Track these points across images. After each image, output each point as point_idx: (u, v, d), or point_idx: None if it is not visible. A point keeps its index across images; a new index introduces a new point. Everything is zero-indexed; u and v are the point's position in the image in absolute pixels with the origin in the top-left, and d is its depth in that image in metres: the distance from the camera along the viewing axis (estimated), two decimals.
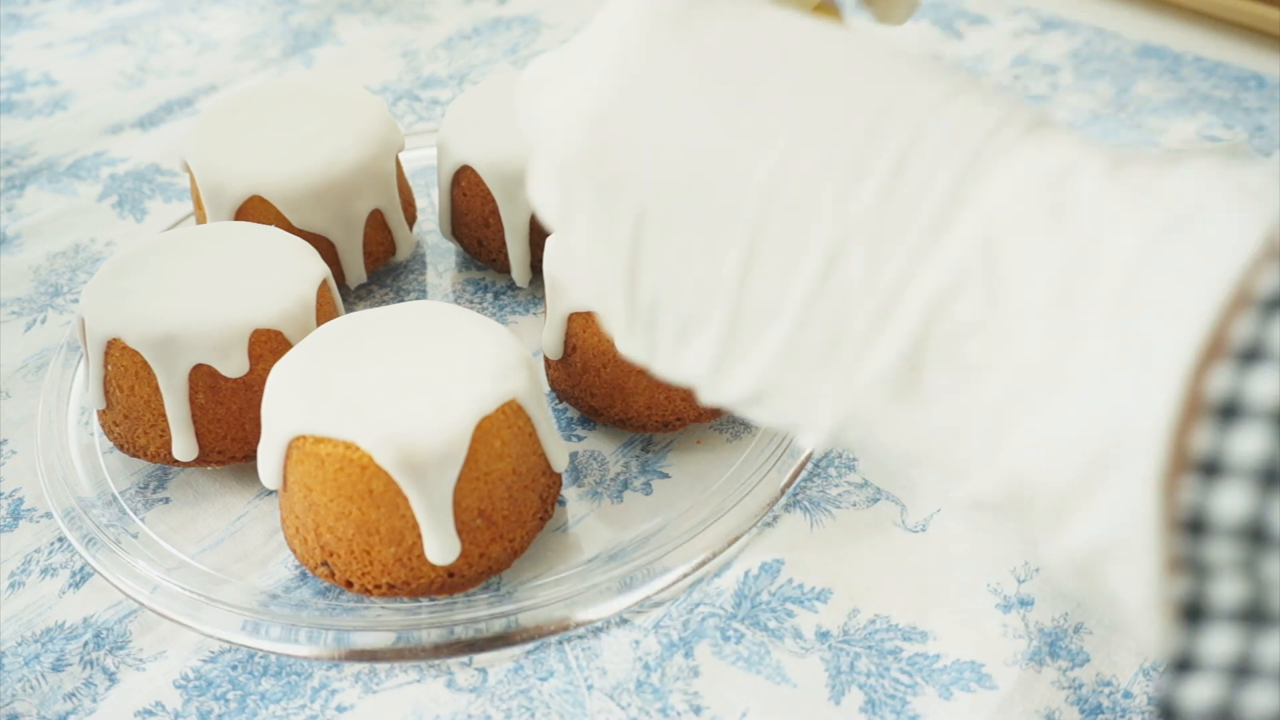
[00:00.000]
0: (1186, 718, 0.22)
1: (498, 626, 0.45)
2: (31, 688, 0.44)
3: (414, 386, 0.44)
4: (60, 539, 0.50)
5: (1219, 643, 0.23)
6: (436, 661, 0.44)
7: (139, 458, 0.51)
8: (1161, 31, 0.79)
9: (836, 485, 0.50)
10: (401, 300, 0.60)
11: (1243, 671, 0.22)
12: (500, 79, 0.61)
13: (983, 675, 0.43)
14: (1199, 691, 0.22)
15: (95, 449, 0.52)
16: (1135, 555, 0.24)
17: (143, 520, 0.49)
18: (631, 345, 0.32)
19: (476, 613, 0.45)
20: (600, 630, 0.45)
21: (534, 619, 0.45)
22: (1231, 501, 0.22)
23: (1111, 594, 0.25)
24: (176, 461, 0.50)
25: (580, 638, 0.45)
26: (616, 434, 0.52)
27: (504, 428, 0.44)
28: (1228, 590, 0.23)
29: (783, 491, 0.49)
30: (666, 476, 0.51)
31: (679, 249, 0.30)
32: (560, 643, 0.45)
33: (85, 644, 0.46)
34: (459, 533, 0.44)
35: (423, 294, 0.61)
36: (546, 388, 0.53)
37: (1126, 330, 0.24)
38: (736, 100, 0.29)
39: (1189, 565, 0.23)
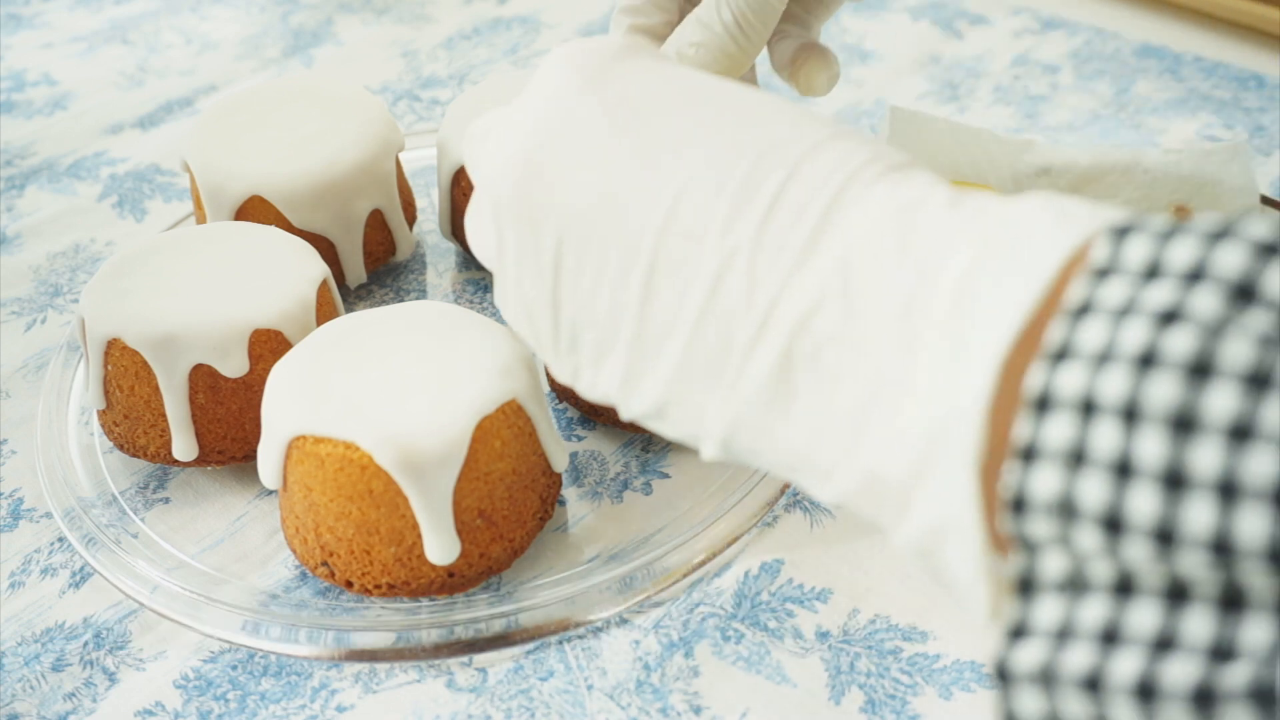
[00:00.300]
0: (1015, 678, 0.25)
1: (498, 626, 0.45)
2: (31, 688, 0.44)
3: (414, 386, 0.44)
4: (60, 539, 0.50)
5: (1045, 610, 0.25)
6: (436, 661, 0.44)
7: (139, 458, 0.51)
8: (1161, 31, 0.79)
9: None
10: (401, 300, 0.60)
11: (1063, 635, 0.25)
12: (500, 79, 0.61)
13: (983, 675, 0.43)
14: (1026, 655, 0.25)
15: (95, 449, 0.52)
16: (963, 535, 0.27)
17: (143, 520, 0.49)
18: (559, 368, 0.36)
19: (476, 613, 0.45)
20: (600, 630, 0.45)
21: (534, 619, 0.45)
22: (1045, 482, 0.25)
23: (949, 574, 0.28)
24: (176, 461, 0.50)
25: (580, 638, 0.45)
26: (616, 434, 0.52)
27: (504, 428, 0.45)
28: (1052, 563, 0.26)
29: (783, 491, 0.49)
30: (666, 476, 0.51)
31: (591, 275, 0.34)
32: (560, 643, 0.45)
33: (85, 644, 0.46)
34: (459, 533, 0.44)
35: (423, 294, 0.61)
36: (546, 388, 0.53)
37: (953, 336, 0.27)
38: (640, 144, 0.33)
39: (1018, 542, 0.26)
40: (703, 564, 0.47)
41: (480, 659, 0.44)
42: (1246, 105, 0.71)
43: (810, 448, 0.31)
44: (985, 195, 0.30)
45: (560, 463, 0.48)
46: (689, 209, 0.32)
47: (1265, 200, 0.57)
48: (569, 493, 0.50)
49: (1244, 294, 0.24)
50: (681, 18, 0.46)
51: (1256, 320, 0.24)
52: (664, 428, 0.35)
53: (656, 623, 0.45)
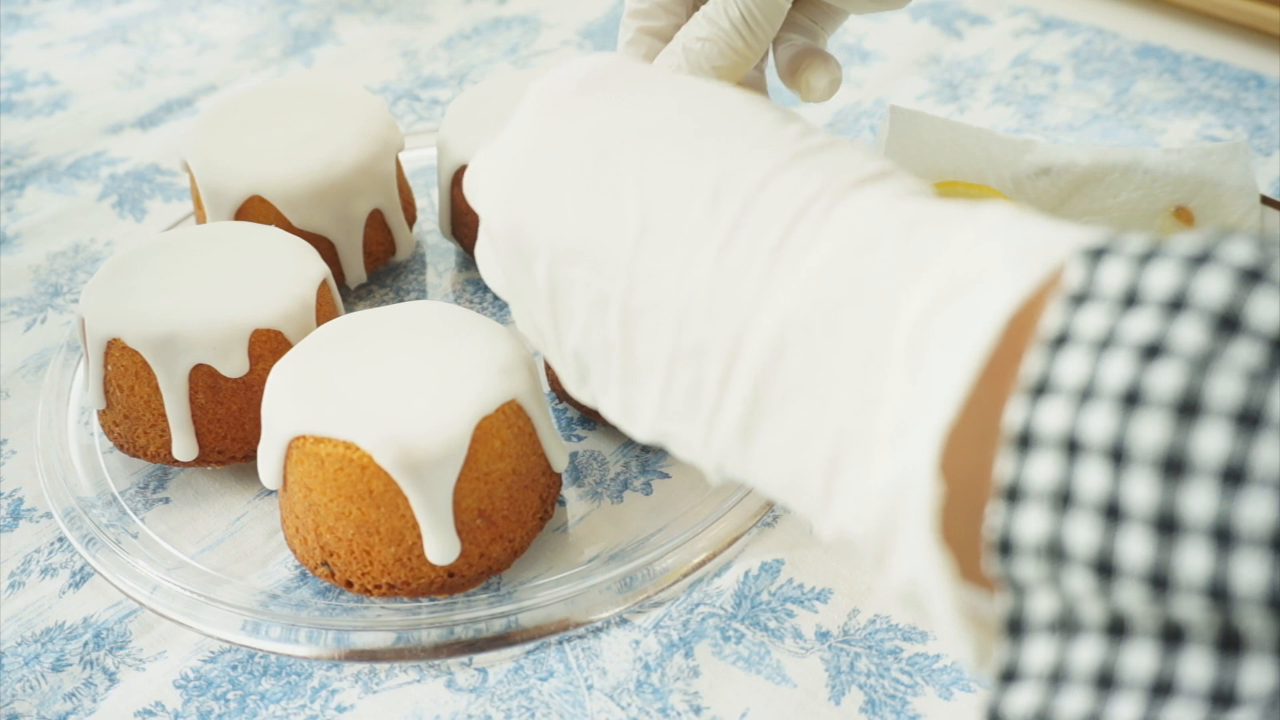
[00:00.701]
0: None
1: (498, 626, 0.45)
2: (31, 688, 0.44)
3: (414, 386, 0.44)
4: (60, 539, 0.50)
5: (1036, 652, 0.25)
6: (436, 661, 0.44)
7: (139, 457, 0.51)
8: (1161, 31, 0.79)
9: None
10: (401, 300, 0.60)
11: (1057, 679, 0.24)
12: (500, 79, 0.61)
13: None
14: (1020, 699, 0.24)
15: (95, 449, 0.52)
16: (935, 593, 0.26)
17: (143, 520, 0.49)
18: (579, 395, 0.36)
19: (476, 613, 0.45)
20: (600, 630, 0.45)
21: (534, 619, 0.45)
22: (1032, 524, 0.24)
23: (934, 623, 0.27)
24: (176, 461, 0.50)
25: (580, 638, 0.45)
26: (616, 434, 0.52)
27: (504, 428, 0.44)
28: (1042, 604, 0.25)
29: None
30: (666, 476, 0.51)
31: (581, 309, 0.34)
32: (560, 643, 0.45)
33: (85, 644, 0.46)
34: (459, 533, 0.44)
35: (423, 294, 0.61)
36: (546, 388, 0.53)
37: (910, 384, 0.27)
38: (604, 179, 0.33)
39: (1006, 583, 0.25)
40: (703, 564, 0.47)
41: (480, 659, 0.44)
42: (1246, 105, 0.71)
43: (792, 488, 0.30)
44: (949, 212, 0.29)
45: (560, 463, 0.48)
46: (650, 249, 0.32)
47: (1265, 200, 0.57)
48: (569, 493, 0.50)
49: (1228, 324, 0.23)
50: (689, 19, 0.46)
51: (1243, 353, 0.23)
52: (669, 451, 0.35)
53: (656, 623, 0.45)
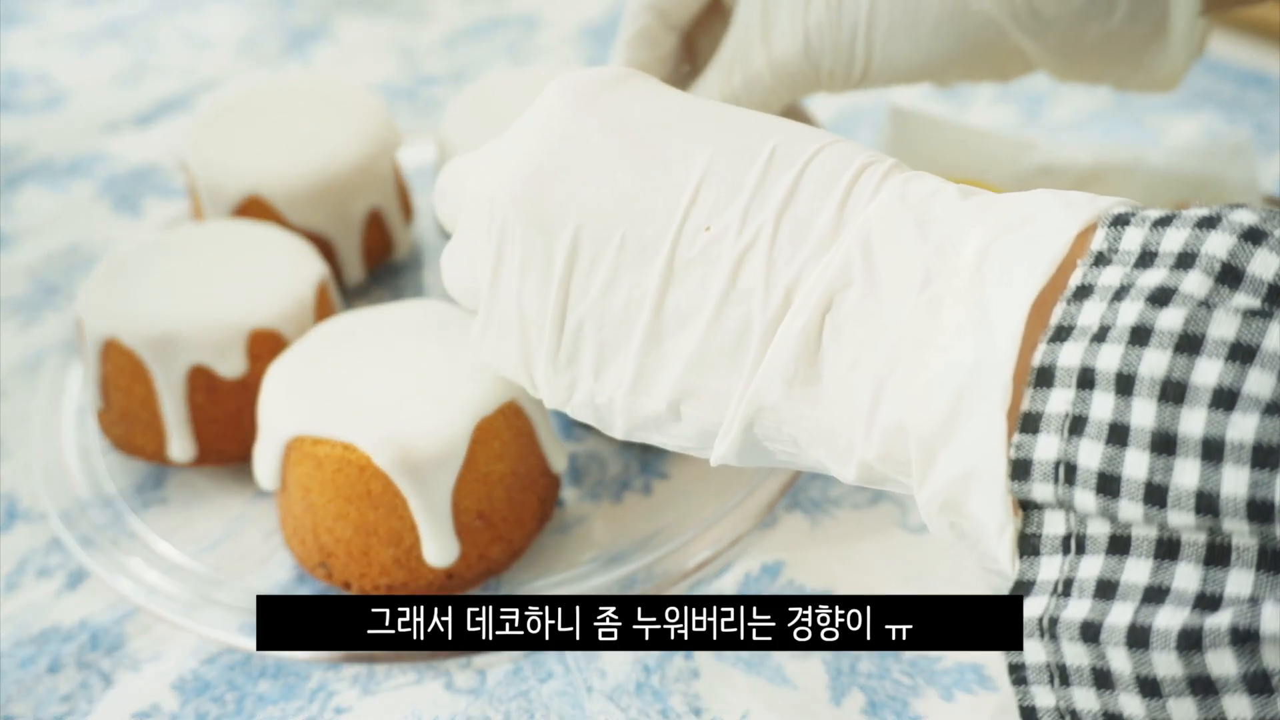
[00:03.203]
0: (1026, 626, 0.28)
1: None
2: (27, 690, 0.44)
3: (413, 387, 0.44)
4: (56, 540, 0.49)
5: (1047, 568, 0.28)
6: (435, 663, 0.44)
7: (138, 457, 0.51)
8: None
9: (837, 486, 0.50)
10: (400, 299, 0.60)
11: (1064, 590, 0.27)
12: (499, 78, 0.61)
13: (984, 677, 0.43)
14: (1030, 609, 0.28)
15: (92, 450, 0.52)
16: (990, 482, 0.28)
17: (140, 521, 0.49)
18: (552, 387, 0.37)
19: None
20: None
21: None
22: (1046, 448, 0.27)
23: (974, 524, 0.29)
24: (174, 462, 0.50)
25: None
26: None
27: (503, 429, 0.44)
28: (1054, 523, 0.28)
29: (783, 492, 0.49)
30: (666, 477, 0.51)
31: (606, 272, 0.35)
32: None
33: (81, 646, 0.45)
34: (458, 534, 0.44)
35: (420, 293, 0.61)
36: None
37: (974, 304, 0.29)
38: (647, 154, 0.35)
39: (1025, 504, 0.28)
40: (703, 565, 0.47)
41: (479, 660, 0.44)
42: (1249, 104, 0.71)
43: (833, 420, 0.32)
44: (991, 193, 0.32)
45: (559, 464, 0.48)
46: (705, 207, 0.34)
47: (1269, 201, 0.57)
48: (568, 494, 0.50)
49: (1230, 274, 0.26)
50: (673, 53, 0.48)
51: (1241, 299, 0.26)
52: (671, 431, 0.36)
53: None
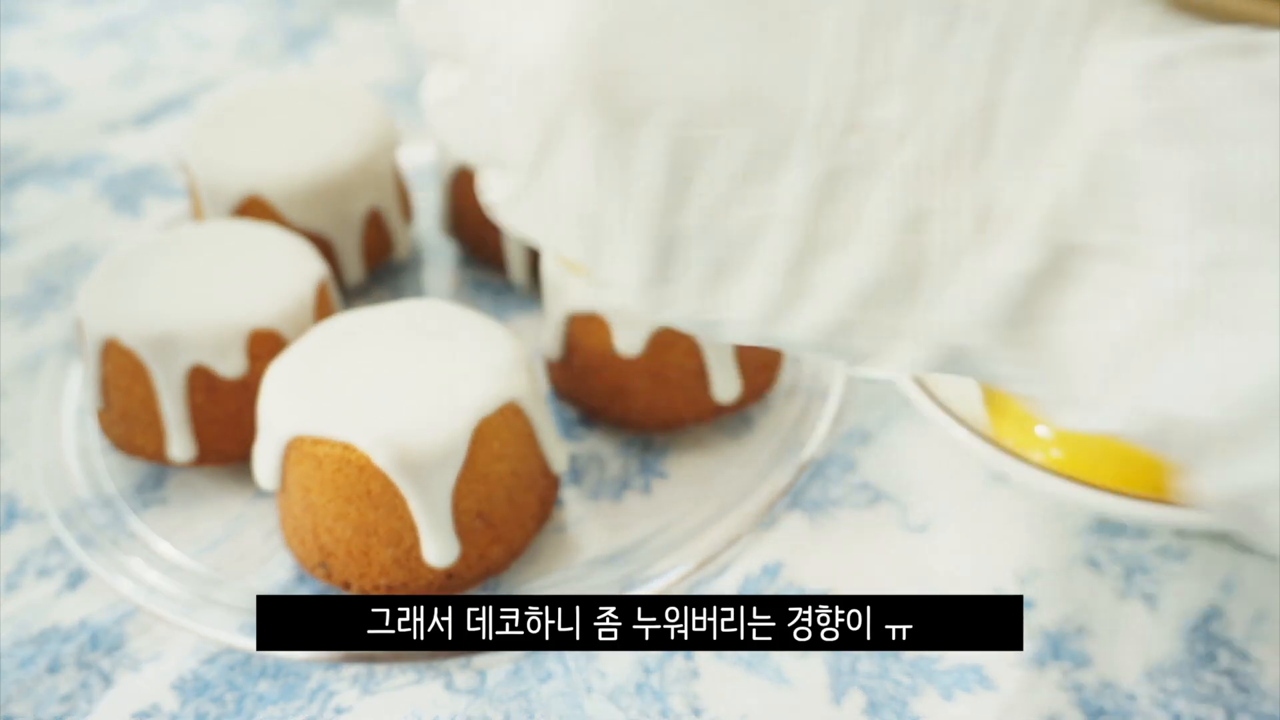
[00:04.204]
0: None
1: None
2: (27, 690, 0.44)
3: (412, 387, 0.44)
4: (56, 540, 0.49)
5: None
6: (435, 663, 0.44)
7: (138, 457, 0.51)
8: None
9: (837, 486, 0.50)
10: (400, 299, 0.60)
11: None
12: None
13: (984, 677, 0.43)
14: None
15: (91, 449, 0.52)
16: None
17: (140, 521, 0.49)
18: (641, 298, 0.29)
19: None
20: None
21: None
22: None
23: (1271, 528, 0.24)
24: (174, 462, 0.50)
25: None
26: (616, 434, 0.52)
27: (503, 429, 0.44)
28: None
29: (783, 492, 0.49)
30: (666, 477, 0.50)
31: (720, 182, 0.27)
32: None
33: (81, 646, 0.45)
34: (457, 534, 0.44)
35: (421, 293, 0.61)
36: (546, 388, 0.53)
37: None
38: (774, 13, 0.26)
39: None
40: (703, 566, 0.46)
41: (479, 660, 0.44)
42: None
43: (1056, 375, 0.26)
44: (1226, 40, 0.24)
45: (559, 464, 0.48)
46: (867, 90, 0.26)
47: None
48: (568, 494, 0.50)
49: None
50: None
51: None
52: (818, 354, 0.29)
53: None
